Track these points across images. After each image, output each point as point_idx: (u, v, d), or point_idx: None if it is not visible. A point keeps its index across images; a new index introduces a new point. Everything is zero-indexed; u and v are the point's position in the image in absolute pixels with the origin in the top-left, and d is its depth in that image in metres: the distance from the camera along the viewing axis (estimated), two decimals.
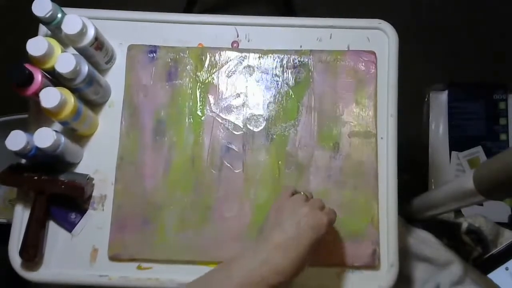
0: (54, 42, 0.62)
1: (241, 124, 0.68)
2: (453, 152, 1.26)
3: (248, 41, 0.72)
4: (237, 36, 0.72)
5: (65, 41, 0.65)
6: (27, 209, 0.66)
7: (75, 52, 0.64)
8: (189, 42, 0.71)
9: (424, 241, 0.82)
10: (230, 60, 0.70)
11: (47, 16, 0.62)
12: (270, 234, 0.54)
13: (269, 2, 1.44)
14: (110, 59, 0.69)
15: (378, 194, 0.66)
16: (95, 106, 0.69)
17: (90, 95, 0.66)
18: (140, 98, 0.69)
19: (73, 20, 0.61)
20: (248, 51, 0.71)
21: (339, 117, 0.68)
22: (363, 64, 0.70)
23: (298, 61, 0.70)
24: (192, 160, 0.67)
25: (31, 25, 0.70)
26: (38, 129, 0.59)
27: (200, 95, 0.69)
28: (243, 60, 0.70)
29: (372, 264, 0.64)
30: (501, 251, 0.97)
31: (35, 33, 0.67)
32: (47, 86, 0.60)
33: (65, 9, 0.65)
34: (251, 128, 0.68)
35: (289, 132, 0.68)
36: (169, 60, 0.70)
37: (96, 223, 0.66)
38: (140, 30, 0.72)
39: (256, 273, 0.51)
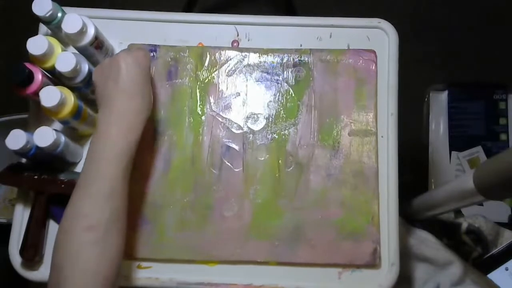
0: (54, 41, 0.62)
1: (241, 123, 0.68)
2: (453, 152, 1.27)
3: (248, 40, 0.72)
4: (237, 35, 0.72)
5: (65, 40, 0.65)
6: (27, 208, 0.66)
7: (75, 51, 0.64)
8: (189, 42, 0.71)
9: (424, 241, 0.82)
10: (230, 59, 0.70)
11: (47, 15, 0.62)
12: (108, 92, 0.58)
13: (269, 1, 1.44)
14: None
15: (379, 193, 0.66)
16: (95, 105, 0.69)
17: (90, 94, 0.66)
18: None
19: (73, 19, 0.61)
20: (248, 50, 0.71)
21: (339, 116, 0.68)
22: (363, 63, 0.70)
23: (298, 60, 0.70)
24: (192, 159, 0.67)
25: (31, 25, 0.70)
26: (38, 128, 0.59)
27: (200, 94, 0.69)
28: (243, 59, 0.70)
29: (373, 263, 0.64)
30: (501, 251, 0.97)
31: (35, 33, 0.67)
32: (47, 85, 0.60)
33: (65, 8, 0.65)
34: (251, 127, 0.68)
35: (289, 131, 0.68)
36: (169, 59, 0.70)
37: None
38: (140, 29, 0.72)
39: (124, 124, 0.57)
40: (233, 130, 0.68)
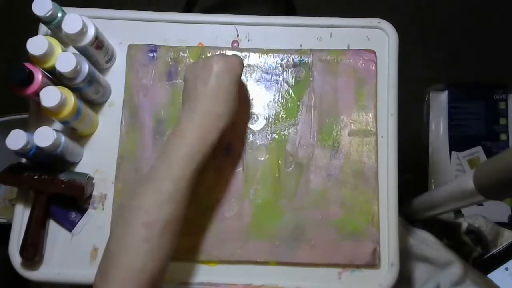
0: (54, 41, 0.62)
1: None
2: (453, 152, 1.27)
3: (248, 40, 0.72)
4: (237, 35, 0.72)
5: (65, 41, 0.65)
6: (27, 208, 0.66)
7: (75, 52, 0.64)
8: (189, 42, 0.71)
9: (424, 241, 0.82)
10: None
11: (47, 15, 0.62)
12: (195, 92, 0.58)
13: (269, 1, 1.44)
14: (110, 59, 0.69)
15: (379, 193, 0.66)
16: (95, 105, 0.69)
17: (90, 94, 0.66)
18: (140, 98, 0.69)
19: (73, 20, 0.61)
20: (248, 50, 0.71)
21: (339, 116, 0.68)
22: (363, 63, 0.70)
23: (298, 60, 0.70)
24: None
25: (31, 25, 0.70)
26: (38, 128, 0.59)
27: None
28: (243, 60, 0.70)
29: (373, 263, 0.64)
30: (501, 251, 0.97)
31: (35, 33, 0.67)
32: (47, 86, 0.60)
33: (65, 9, 0.65)
34: (251, 127, 0.68)
35: (289, 131, 0.68)
36: (169, 59, 0.70)
37: (97, 222, 0.66)
38: (140, 29, 0.72)
39: (205, 126, 0.57)
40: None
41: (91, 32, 0.63)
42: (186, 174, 0.55)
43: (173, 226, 0.54)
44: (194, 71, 0.60)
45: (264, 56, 0.70)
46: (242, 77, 0.70)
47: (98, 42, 0.64)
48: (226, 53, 0.70)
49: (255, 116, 0.69)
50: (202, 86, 0.58)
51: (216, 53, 0.64)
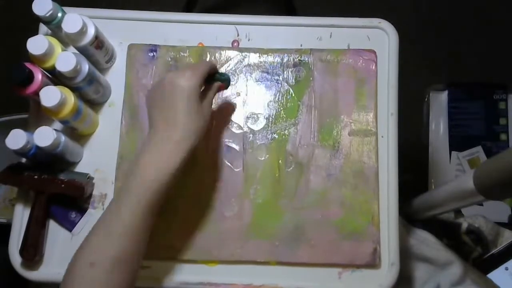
0: (54, 41, 0.62)
1: (241, 123, 0.68)
2: (453, 152, 1.27)
3: (249, 40, 0.72)
4: (238, 35, 0.72)
5: (65, 40, 0.65)
6: (27, 208, 0.66)
7: (75, 51, 0.64)
8: (189, 41, 0.71)
9: (424, 241, 0.82)
10: (231, 59, 0.70)
11: (48, 15, 0.62)
12: (152, 119, 0.55)
13: (269, 1, 1.44)
14: (110, 58, 0.69)
15: (379, 193, 0.66)
16: (95, 105, 0.69)
17: (90, 94, 0.66)
18: (140, 97, 0.69)
19: (74, 19, 0.60)
20: (249, 50, 0.71)
21: (339, 116, 0.68)
22: (363, 63, 0.70)
23: (299, 60, 0.70)
24: (192, 159, 0.67)
25: (31, 25, 0.70)
26: (38, 128, 0.59)
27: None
28: (243, 59, 0.70)
29: (373, 263, 0.64)
30: (501, 251, 0.97)
31: (35, 33, 0.67)
32: (47, 85, 0.60)
33: (65, 8, 0.65)
34: (251, 127, 0.68)
35: (289, 131, 0.68)
36: (170, 59, 0.70)
37: None
38: (140, 29, 0.72)
39: (162, 155, 0.53)
40: (233, 130, 0.68)
41: (91, 32, 0.63)
42: (139, 208, 0.51)
43: (126, 264, 0.51)
44: (150, 96, 0.57)
45: (264, 55, 0.70)
46: (243, 77, 0.70)
47: (98, 42, 0.64)
48: (224, 53, 0.70)
49: (255, 115, 0.69)
50: (157, 111, 0.55)
51: (170, 71, 0.60)
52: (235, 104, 0.69)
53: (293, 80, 0.70)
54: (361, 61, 0.70)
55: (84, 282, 0.49)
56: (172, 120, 0.54)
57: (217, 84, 0.61)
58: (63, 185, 0.63)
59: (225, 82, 0.62)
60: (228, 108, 0.68)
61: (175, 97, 0.54)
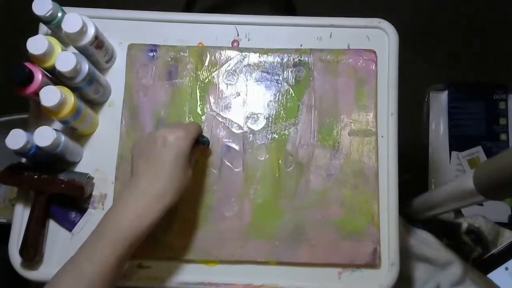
0: (54, 41, 0.62)
1: (241, 123, 0.68)
2: (453, 152, 1.27)
3: (249, 40, 0.72)
4: (237, 35, 0.72)
5: (65, 40, 0.65)
6: (27, 208, 0.66)
7: (75, 51, 0.64)
8: (189, 41, 0.71)
9: (424, 241, 0.82)
10: (231, 59, 0.70)
11: (47, 15, 0.62)
12: (137, 168, 0.55)
13: (269, 1, 1.44)
14: (110, 58, 0.69)
15: (379, 193, 0.66)
16: (95, 105, 0.69)
17: (90, 94, 0.66)
18: (140, 97, 0.69)
19: (73, 19, 0.60)
20: (249, 50, 0.71)
21: (339, 116, 0.68)
22: (363, 63, 0.70)
23: (299, 60, 0.70)
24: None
25: (31, 25, 0.70)
26: (38, 128, 0.59)
27: (200, 94, 0.69)
28: (243, 59, 0.70)
29: (373, 263, 0.64)
30: (501, 251, 0.97)
31: (35, 33, 0.67)
32: (47, 85, 0.60)
33: (65, 8, 0.65)
34: (251, 127, 0.68)
35: (289, 131, 0.68)
36: (169, 59, 0.70)
37: (96, 222, 0.65)
38: (140, 29, 0.72)
39: (141, 208, 0.53)
40: (233, 130, 0.68)
41: (91, 32, 0.63)
42: (110, 259, 0.51)
43: None
44: (138, 146, 0.57)
45: (264, 55, 0.70)
46: (243, 77, 0.70)
47: (98, 42, 0.64)
48: (224, 53, 0.70)
49: (255, 115, 0.69)
50: (143, 162, 0.55)
51: (165, 126, 0.60)
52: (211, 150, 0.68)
53: (293, 80, 0.70)
54: (361, 61, 0.70)
55: None
56: (157, 173, 0.54)
57: (200, 147, 0.63)
58: (63, 185, 0.63)
59: (206, 144, 0.65)
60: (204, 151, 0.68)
61: (164, 153, 0.54)
